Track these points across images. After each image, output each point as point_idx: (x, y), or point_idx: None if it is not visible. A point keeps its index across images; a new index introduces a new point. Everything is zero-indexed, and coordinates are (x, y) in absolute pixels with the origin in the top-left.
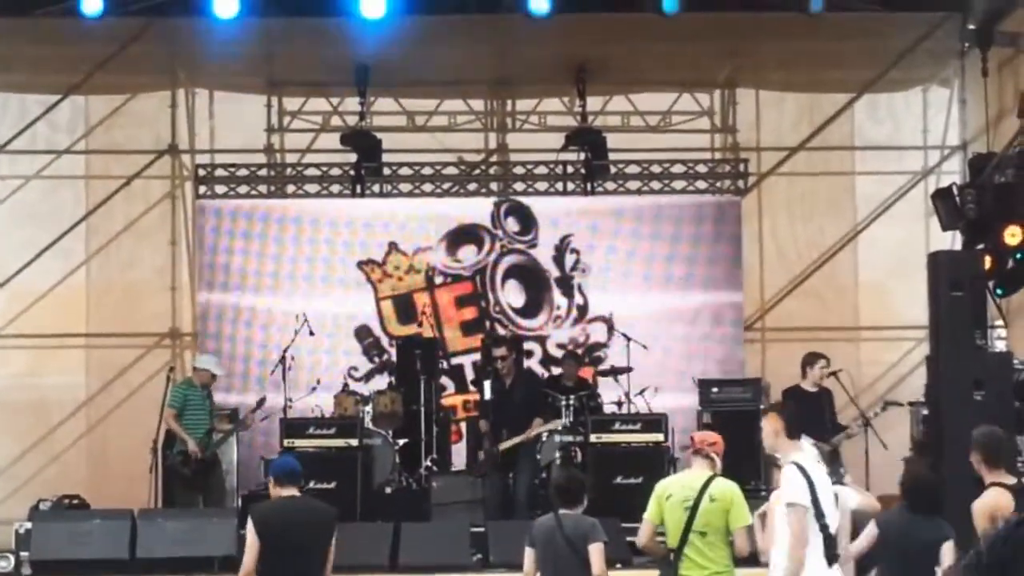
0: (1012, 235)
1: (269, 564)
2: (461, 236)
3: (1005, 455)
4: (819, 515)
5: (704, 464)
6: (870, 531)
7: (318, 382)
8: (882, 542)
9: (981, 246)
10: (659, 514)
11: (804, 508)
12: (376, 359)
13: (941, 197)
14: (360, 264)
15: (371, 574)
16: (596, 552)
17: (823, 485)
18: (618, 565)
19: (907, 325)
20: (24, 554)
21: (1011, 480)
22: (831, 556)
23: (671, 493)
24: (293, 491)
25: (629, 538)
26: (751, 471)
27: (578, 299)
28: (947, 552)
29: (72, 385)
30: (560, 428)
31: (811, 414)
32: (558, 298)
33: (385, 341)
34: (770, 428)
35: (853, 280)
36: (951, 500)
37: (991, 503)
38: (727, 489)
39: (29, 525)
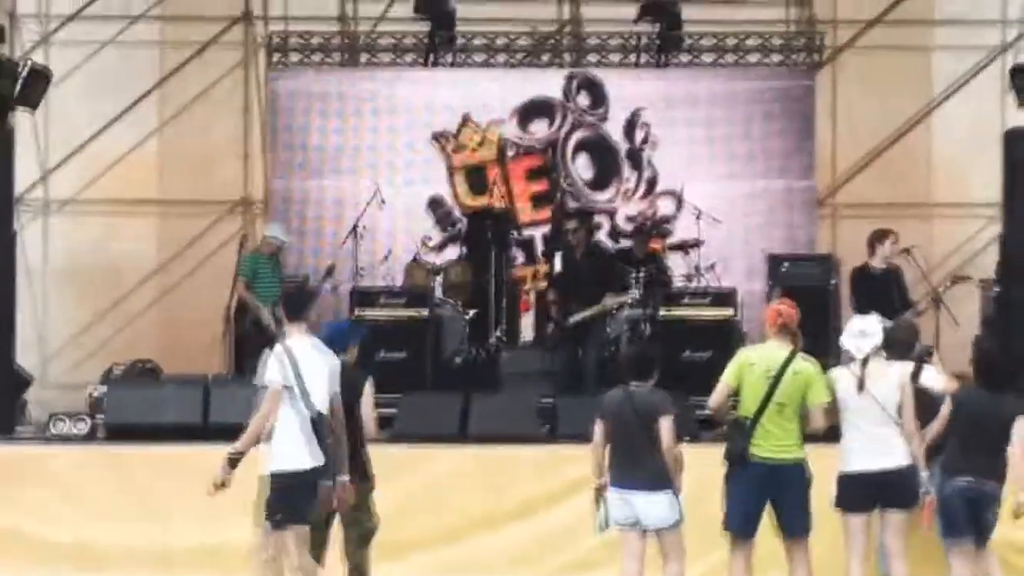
0: None
1: None
2: (533, 109)
3: None
4: (304, 395)
5: (786, 339)
6: (943, 413)
7: (389, 252)
8: (954, 419)
9: None
10: (737, 380)
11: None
12: (448, 229)
13: (1020, 73)
14: (434, 136)
15: (440, 443)
16: (666, 425)
17: (311, 368)
18: (686, 439)
19: (981, 203)
20: (100, 417)
21: None
22: (319, 438)
23: (754, 362)
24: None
25: (698, 412)
26: (821, 348)
27: (647, 173)
28: (1020, 428)
29: (144, 252)
30: (630, 301)
31: (879, 292)
32: (628, 171)
33: (457, 212)
34: None
35: (927, 157)
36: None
37: None
38: (809, 366)
39: (103, 389)
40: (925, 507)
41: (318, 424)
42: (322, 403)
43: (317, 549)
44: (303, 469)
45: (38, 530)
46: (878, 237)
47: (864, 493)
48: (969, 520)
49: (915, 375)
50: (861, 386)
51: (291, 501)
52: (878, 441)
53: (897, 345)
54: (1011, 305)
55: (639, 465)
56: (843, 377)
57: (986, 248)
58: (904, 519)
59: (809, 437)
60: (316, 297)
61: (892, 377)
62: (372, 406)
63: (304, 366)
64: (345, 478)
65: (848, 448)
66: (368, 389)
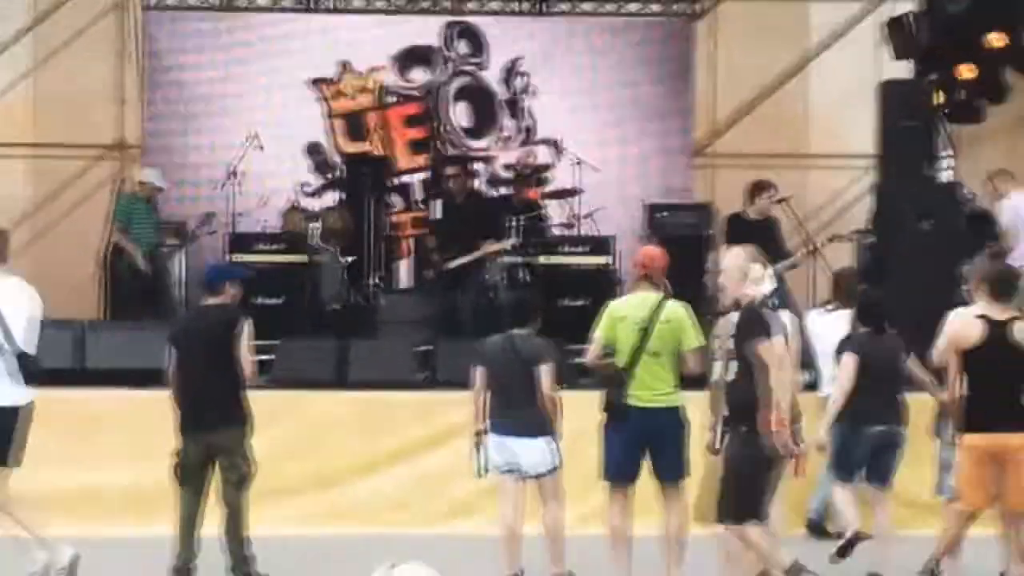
0: (969, 70)
1: (181, 370)
2: (412, 57)
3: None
4: (5, 335)
5: (651, 286)
6: (847, 362)
7: (267, 197)
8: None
9: (933, 76)
10: (611, 334)
11: None
12: (327, 175)
13: (894, 25)
14: (314, 81)
15: (318, 389)
16: (546, 372)
17: (12, 307)
18: (563, 386)
19: (857, 154)
20: None
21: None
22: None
23: (625, 314)
24: (214, 299)
25: (575, 359)
26: (695, 296)
27: (526, 121)
28: (913, 362)
29: (18, 195)
30: (508, 248)
31: (754, 240)
32: (506, 119)
33: (335, 158)
34: None
35: (804, 108)
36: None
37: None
38: (679, 311)
39: None
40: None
41: (24, 362)
42: (26, 342)
43: (196, 494)
44: (3, 407)
45: None
46: (757, 189)
47: None
48: (867, 464)
49: None
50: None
51: None
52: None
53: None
54: (887, 253)
55: (518, 411)
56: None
57: (861, 199)
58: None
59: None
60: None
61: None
62: (250, 349)
63: (5, 306)
64: None
65: None
66: (246, 331)
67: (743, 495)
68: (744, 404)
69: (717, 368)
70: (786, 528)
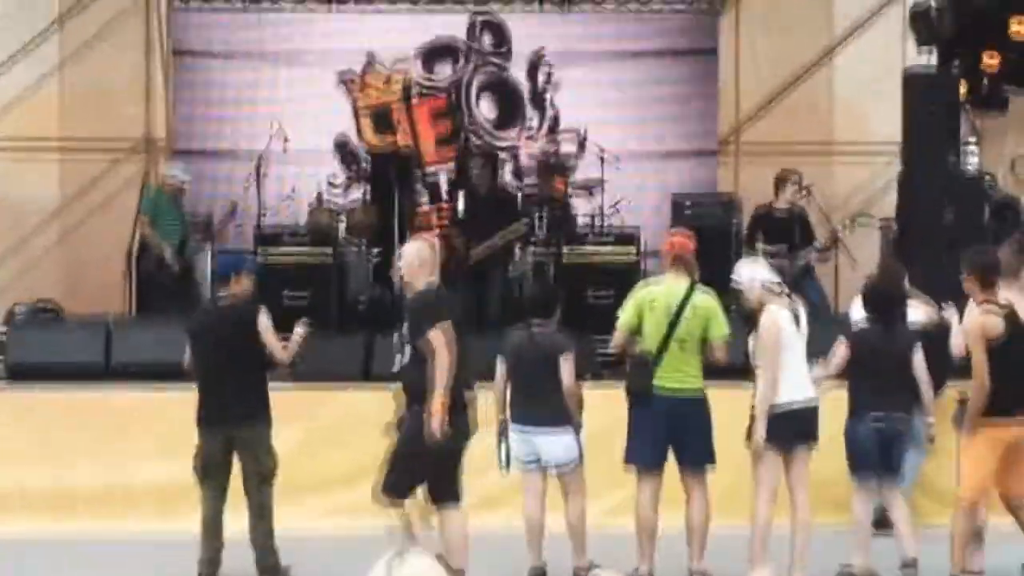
0: (991, 57)
1: (198, 366)
2: (437, 51)
3: (998, 275)
4: None
5: (682, 270)
6: (839, 353)
7: (293, 190)
8: (855, 358)
9: (956, 65)
10: (637, 317)
11: None
12: (353, 169)
13: (918, 14)
14: (339, 78)
15: (344, 382)
16: (567, 363)
17: None
18: (588, 376)
19: (882, 142)
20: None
21: (1002, 300)
22: None
23: (654, 298)
24: (229, 290)
25: (600, 352)
26: (723, 288)
27: (550, 113)
28: (919, 357)
29: (45, 193)
30: (524, 226)
31: (781, 231)
32: (530, 112)
33: (362, 152)
34: None
35: (829, 98)
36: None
37: (981, 322)
38: (709, 300)
39: (3, 330)
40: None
41: None
42: None
43: (218, 489)
44: None
45: None
46: (782, 178)
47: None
48: (877, 458)
49: None
50: (798, 320)
51: None
52: (803, 375)
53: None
54: (910, 243)
55: (540, 403)
56: (783, 313)
57: (887, 188)
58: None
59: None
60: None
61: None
62: (273, 334)
63: None
64: None
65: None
66: (263, 320)
67: (399, 473)
68: (417, 387)
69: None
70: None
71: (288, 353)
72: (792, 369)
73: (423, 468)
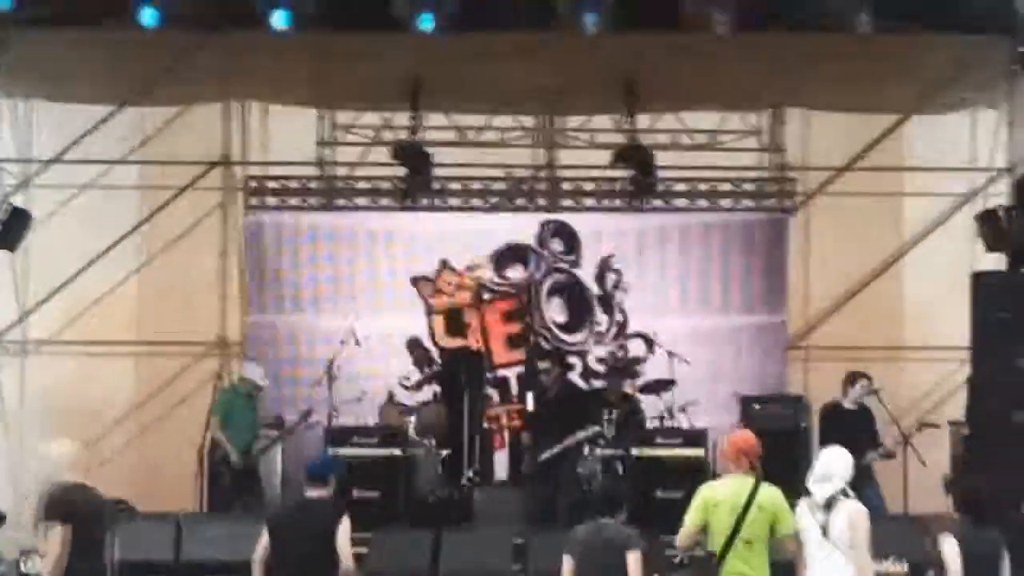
0: None
1: (276, 559)
2: (508, 255)
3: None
4: None
5: (747, 469)
6: (951, 564)
7: (364, 393)
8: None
9: None
10: (703, 519)
11: None
12: (425, 369)
13: (986, 218)
14: (413, 281)
15: None
16: (634, 560)
17: None
18: (656, 573)
19: (951, 346)
20: None
21: None
22: None
23: (718, 500)
24: (316, 491)
25: (669, 551)
26: (791, 490)
27: (618, 316)
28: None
29: (121, 392)
30: (594, 434)
31: (849, 430)
32: (599, 315)
33: (434, 352)
34: None
35: (898, 300)
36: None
37: None
38: (774, 497)
39: None
40: None
41: None
42: None
43: None
44: None
45: None
46: (851, 379)
47: None
48: None
49: None
50: (825, 532)
51: None
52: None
53: None
54: (980, 444)
55: None
56: (805, 516)
57: (956, 391)
58: None
59: None
60: None
61: (842, 514)
62: (349, 541)
63: None
64: None
65: None
66: (345, 524)
67: None
68: None
69: None
70: None
71: (352, 565)
72: (819, 563)
73: None
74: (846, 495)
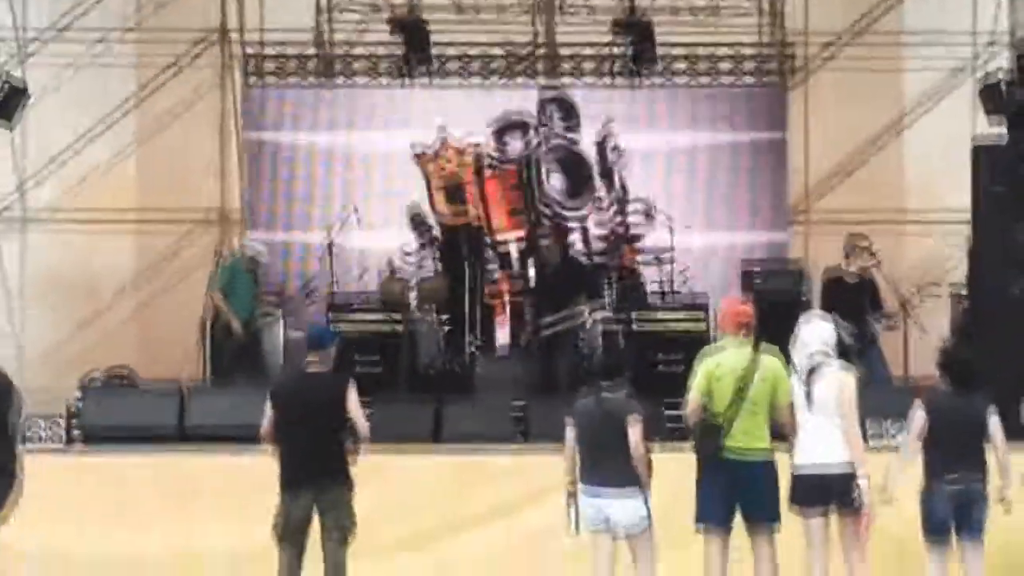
0: None
1: (283, 431)
2: (508, 126)
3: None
4: None
5: (746, 337)
6: (916, 420)
7: (365, 269)
8: (931, 424)
9: None
10: (708, 388)
11: None
12: (426, 238)
13: (988, 86)
14: (415, 154)
15: (414, 444)
16: (635, 427)
17: None
18: (656, 438)
19: (952, 215)
20: (76, 423)
21: None
22: None
23: (723, 369)
24: (316, 358)
25: (668, 415)
26: (790, 360)
27: (618, 186)
28: (995, 421)
29: (122, 264)
30: (600, 309)
31: (851, 299)
32: (599, 185)
33: (435, 223)
34: None
35: (899, 169)
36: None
37: None
38: (776, 365)
39: (79, 395)
40: (862, 517)
41: None
42: None
43: (296, 551)
44: None
45: (7, 536)
46: (853, 243)
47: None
48: (953, 522)
49: None
50: (809, 399)
51: None
52: (824, 441)
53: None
54: (979, 314)
55: (608, 467)
56: (793, 384)
57: (957, 259)
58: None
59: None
60: None
61: (832, 380)
62: (359, 407)
63: None
64: None
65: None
66: (353, 394)
67: None
68: None
69: None
70: None
71: (366, 429)
72: (806, 431)
73: None
74: (827, 357)
